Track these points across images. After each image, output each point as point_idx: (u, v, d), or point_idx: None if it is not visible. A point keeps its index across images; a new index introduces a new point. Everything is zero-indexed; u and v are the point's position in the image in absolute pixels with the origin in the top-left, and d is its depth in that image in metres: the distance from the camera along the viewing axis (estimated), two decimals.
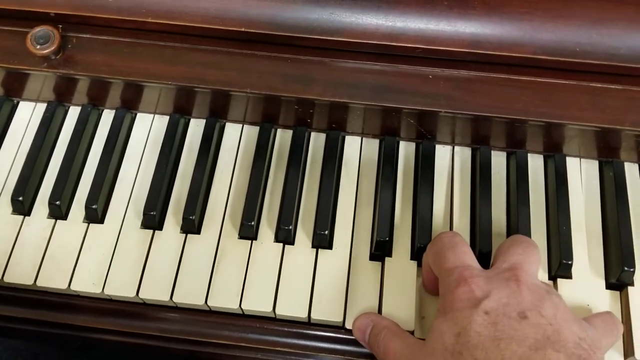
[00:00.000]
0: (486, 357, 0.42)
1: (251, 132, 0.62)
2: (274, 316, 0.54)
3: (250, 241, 0.56)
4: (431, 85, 0.56)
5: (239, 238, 0.57)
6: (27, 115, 0.63)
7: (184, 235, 0.57)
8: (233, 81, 0.56)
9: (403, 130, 0.61)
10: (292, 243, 0.56)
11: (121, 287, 0.54)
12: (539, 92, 0.55)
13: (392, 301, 0.53)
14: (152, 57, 0.58)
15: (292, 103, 0.58)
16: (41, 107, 0.63)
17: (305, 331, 0.54)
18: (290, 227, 0.56)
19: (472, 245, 0.56)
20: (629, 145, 0.58)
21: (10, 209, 0.58)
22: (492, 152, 0.61)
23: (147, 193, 0.57)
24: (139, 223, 0.57)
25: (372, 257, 0.56)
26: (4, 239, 0.56)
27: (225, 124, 0.63)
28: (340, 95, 0.56)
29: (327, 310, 0.53)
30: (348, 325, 0.53)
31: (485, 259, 0.54)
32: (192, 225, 0.56)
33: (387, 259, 0.55)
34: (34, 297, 0.56)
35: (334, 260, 0.55)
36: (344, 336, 0.54)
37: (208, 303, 0.53)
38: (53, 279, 0.54)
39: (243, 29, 0.56)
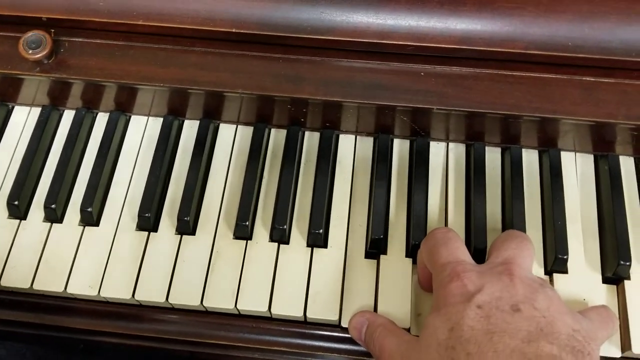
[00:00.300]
0: (479, 351, 0.42)
1: (245, 133, 0.62)
2: (270, 316, 0.54)
3: (245, 241, 0.56)
4: (423, 83, 0.56)
5: (234, 238, 0.57)
6: (22, 120, 0.63)
7: (179, 236, 0.57)
8: (225, 82, 0.56)
9: (397, 128, 0.61)
10: (287, 242, 0.56)
11: (117, 289, 0.54)
12: (532, 87, 0.55)
13: (387, 299, 0.53)
14: (144, 59, 0.58)
15: (285, 103, 0.58)
16: (36, 112, 0.63)
17: (301, 330, 0.54)
18: (285, 227, 0.56)
19: (467, 241, 0.56)
20: (624, 138, 0.58)
21: (6, 213, 0.58)
22: (487, 148, 0.61)
23: (142, 195, 0.58)
24: (134, 225, 0.58)
25: (368, 255, 0.56)
26: (0, 243, 0.56)
27: (219, 124, 0.63)
28: (331, 94, 0.56)
29: (322, 309, 0.53)
30: (344, 324, 0.53)
31: (480, 254, 0.54)
32: (187, 226, 0.56)
33: (382, 256, 0.56)
34: (30, 300, 0.56)
35: (329, 258, 0.56)
36: (341, 334, 0.54)
37: (204, 304, 0.53)
38: (49, 282, 0.55)
39: (234, 30, 0.56)
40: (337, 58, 0.57)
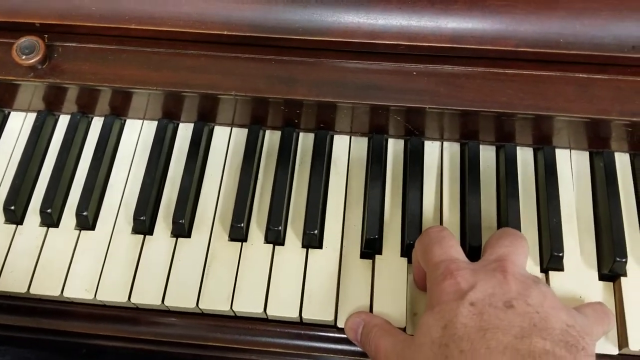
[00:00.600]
0: (472, 348, 0.42)
1: (240, 135, 0.62)
2: (265, 317, 0.54)
3: (240, 243, 0.56)
4: (415, 82, 0.56)
5: (229, 240, 0.57)
6: (18, 125, 0.64)
7: (175, 239, 0.57)
8: (218, 84, 0.56)
9: (391, 128, 0.61)
10: (282, 244, 0.56)
11: (113, 293, 0.54)
12: (525, 85, 0.55)
13: (383, 299, 0.53)
14: (137, 63, 0.58)
15: (278, 104, 0.58)
16: (32, 117, 0.63)
17: (298, 331, 0.54)
18: (280, 228, 0.56)
19: (462, 239, 0.56)
20: (619, 135, 0.58)
21: (2, 218, 0.58)
22: (482, 146, 0.61)
23: (137, 198, 0.58)
24: (130, 228, 0.58)
25: (363, 255, 0.56)
26: None
27: (213, 127, 0.63)
28: (324, 95, 0.56)
29: (318, 310, 0.53)
30: (340, 324, 0.53)
31: (475, 252, 0.54)
32: (182, 229, 0.56)
33: (377, 256, 0.55)
34: (28, 305, 0.56)
35: (324, 259, 0.56)
36: (337, 335, 0.54)
37: (199, 306, 0.54)
38: (46, 287, 0.55)
39: (226, 32, 0.56)
40: (329, 59, 0.57)
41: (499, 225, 0.57)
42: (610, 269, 0.54)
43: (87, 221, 0.57)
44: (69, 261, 0.56)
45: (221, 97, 0.58)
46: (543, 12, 0.53)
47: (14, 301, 0.56)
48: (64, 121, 0.64)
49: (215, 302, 0.54)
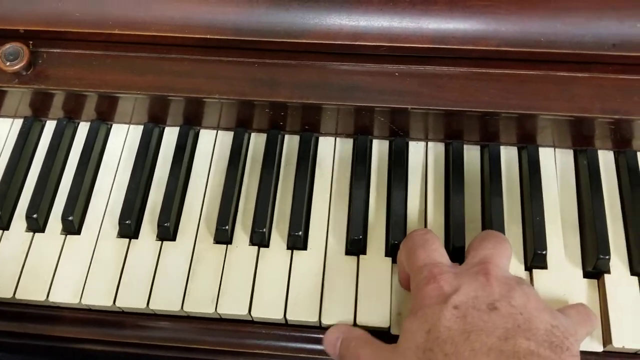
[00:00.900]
0: (456, 351, 0.42)
1: (225, 138, 0.63)
2: (251, 319, 0.54)
3: (225, 245, 0.57)
4: (398, 83, 0.56)
5: (214, 243, 0.57)
6: (5, 132, 0.64)
7: (160, 242, 0.57)
8: (201, 88, 0.57)
9: (376, 129, 0.61)
10: (267, 245, 0.57)
11: (98, 297, 0.55)
12: (507, 84, 0.55)
13: (367, 299, 0.53)
14: (121, 68, 0.58)
15: (262, 107, 0.58)
16: (18, 123, 0.64)
17: (283, 333, 0.54)
18: (264, 230, 0.56)
19: (446, 239, 0.56)
20: (601, 133, 0.58)
21: None
22: (466, 146, 0.61)
23: (122, 202, 0.58)
24: (116, 233, 0.58)
25: (347, 255, 0.56)
26: None
27: (199, 130, 0.63)
28: (307, 97, 0.56)
29: (303, 311, 0.53)
30: (325, 324, 0.53)
31: (459, 253, 0.54)
32: (167, 232, 0.57)
33: (361, 256, 0.56)
34: (14, 310, 0.56)
35: (309, 260, 0.56)
36: (322, 336, 0.54)
37: (184, 309, 0.54)
38: (32, 292, 0.55)
39: (209, 36, 0.57)
40: (312, 61, 0.57)
41: (483, 225, 0.57)
42: (594, 266, 0.54)
43: (72, 226, 0.57)
44: (54, 266, 0.56)
45: (205, 101, 0.58)
46: (524, 11, 0.53)
47: (0, 306, 0.56)
48: (50, 127, 0.64)
49: (200, 304, 0.54)
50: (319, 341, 0.54)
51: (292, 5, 0.55)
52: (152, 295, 0.54)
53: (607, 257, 0.53)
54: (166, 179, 0.59)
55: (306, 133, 0.62)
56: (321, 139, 0.63)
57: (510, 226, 0.57)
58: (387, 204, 0.59)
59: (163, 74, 0.58)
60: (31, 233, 0.58)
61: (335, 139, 0.62)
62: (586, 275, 0.55)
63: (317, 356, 0.54)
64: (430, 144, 0.62)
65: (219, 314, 0.54)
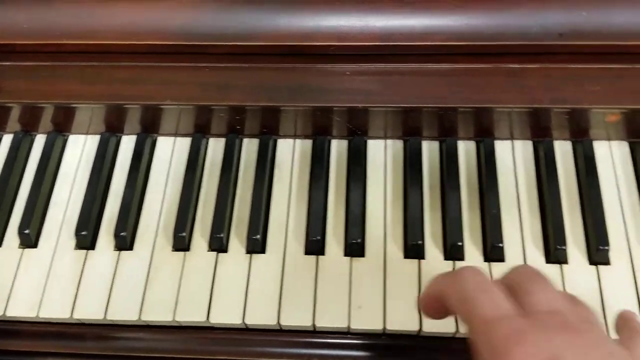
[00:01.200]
0: None
1: (183, 144, 0.62)
2: (210, 325, 0.54)
3: (183, 252, 0.56)
4: (349, 82, 0.56)
5: (172, 250, 0.57)
6: None
7: (118, 252, 0.57)
8: (152, 95, 0.57)
9: (334, 129, 0.61)
10: (226, 251, 0.56)
11: (55, 310, 0.54)
12: (457, 79, 0.55)
13: (326, 299, 0.53)
14: (73, 78, 0.58)
15: (216, 111, 0.58)
16: None
17: (244, 337, 0.54)
18: (222, 235, 0.56)
19: (404, 236, 0.56)
20: (556, 123, 0.58)
21: None
22: (425, 142, 0.61)
23: (79, 214, 0.58)
24: (73, 244, 0.58)
25: (307, 255, 0.56)
26: None
27: (156, 138, 0.63)
28: (259, 100, 0.56)
29: (261, 315, 0.53)
30: (284, 326, 0.53)
31: (415, 250, 0.54)
32: (124, 241, 0.56)
33: (320, 257, 0.55)
34: None
35: (268, 263, 0.55)
36: (282, 339, 0.54)
37: (142, 318, 0.53)
38: None
39: (157, 42, 0.56)
40: (263, 63, 0.57)
41: (443, 220, 0.57)
42: (553, 256, 0.54)
43: (29, 239, 0.57)
44: (12, 280, 0.56)
45: (158, 108, 0.58)
46: (470, 5, 0.54)
47: None
48: (7, 140, 0.63)
49: (158, 313, 0.53)
50: (280, 344, 0.54)
51: (241, 8, 0.55)
52: (109, 306, 0.54)
53: (563, 247, 0.53)
54: (123, 188, 0.59)
55: (265, 136, 0.61)
56: (280, 141, 0.62)
57: (470, 220, 0.57)
58: (347, 203, 0.59)
59: (114, 83, 0.57)
60: None
61: (295, 141, 0.62)
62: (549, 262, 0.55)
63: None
64: (389, 141, 0.62)
65: (177, 321, 0.53)
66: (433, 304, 0.45)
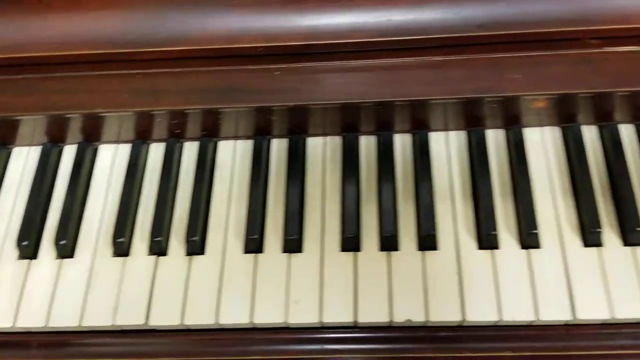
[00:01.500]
0: None
1: (125, 151, 0.63)
2: (149, 328, 0.54)
3: (123, 257, 0.57)
4: (278, 81, 0.57)
5: (113, 256, 0.57)
6: None
7: (60, 260, 0.57)
8: (84, 103, 0.58)
9: (272, 128, 0.62)
10: (165, 254, 0.57)
11: None
12: (382, 74, 0.56)
13: (264, 297, 0.54)
14: (7, 90, 0.59)
15: (152, 117, 0.59)
16: None
17: (186, 338, 0.55)
18: (161, 239, 0.56)
19: (342, 228, 0.57)
20: (486, 112, 0.59)
21: None
22: (363, 137, 0.62)
23: (20, 224, 0.58)
24: (17, 255, 0.58)
25: (247, 254, 0.57)
26: None
27: (98, 146, 0.64)
28: (190, 102, 0.57)
29: (200, 314, 0.54)
30: (222, 324, 0.53)
31: (351, 242, 0.55)
32: (65, 250, 0.57)
33: (259, 255, 0.56)
34: None
35: (207, 264, 0.56)
36: (221, 337, 0.54)
37: (82, 324, 0.54)
38: None
39: (90, 52, 0.57)
40: (192, 67, 0.58)
41: (379, 211, 0.58)
42: (485, 241, 0.55)
43: None
44: None
45: (94, 117, 0.59)
46: (391, 1, 0.55)
47: None
48: None
49: (97, 318, 0.54)
50: (219, 344, 0.54)
51: (168, 13, 0.56)
52: (51, 314, 0.55)
53: (493, 232, 0.54)
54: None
55: (204, 139, 0.62)
56: (222, 143, 0.63)
57: (405, 211, 0.58)
58: (286, 200, 0.60)
59: (48, 93, 0.58)
60: None
61: (235, 142, 0.63)
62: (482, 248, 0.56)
63: (215, 358, 0.54)
64: (328, 138, 0.63)
65: (116, 325, 0.54)
66: None
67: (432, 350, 0.51)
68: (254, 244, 0.56)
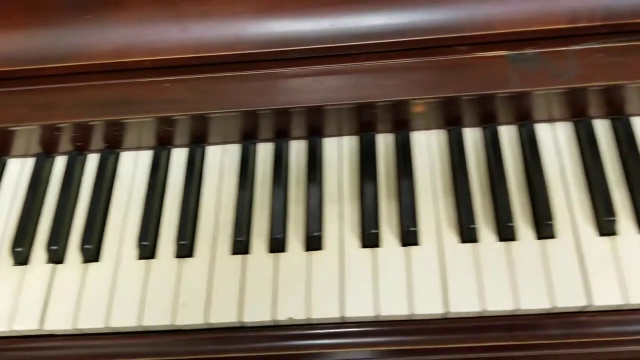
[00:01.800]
0: None
1: (30, 164, 0.66)
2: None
3: (23, 266, 0.59)
4: (166, 93, 0.59)
5: (13, 265, 0.60)
6: None
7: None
8: None
9: (175, 138, 0.64)
10: (62, 262, 0.60)
11: None
12: (264, 84, 0.59)
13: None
14: None
15: (50, 130, 0.62)
16: None
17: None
18: (57, 247, 0.59)
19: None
20: (370, 117, 0.62)
21: None
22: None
23: None
24: None
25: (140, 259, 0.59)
26: None
27: (6, 160, 0.66)
28: (82, 115, 0.60)
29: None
30: (112, 328, 0.56)
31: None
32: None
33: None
34: None
35: (101, 270, 0.58)
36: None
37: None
38: None
39: None
40: (84, 81, 0.60)
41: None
42: (367, 240, 0.58)
43: None
44: None
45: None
46: (266, 13, 0.58)
47: None
48: None
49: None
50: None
51: (57, 29, 0.59)
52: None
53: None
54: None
55: (106, 151, 0.65)
56: (124, 154, 0.66)
57: (292, 211, 0.60)
58: (182, 208, 0.62)
59: None
60: None
61: (137, 153, 0.66)
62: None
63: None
64: (228, 146, 0.65)
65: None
66: None
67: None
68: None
